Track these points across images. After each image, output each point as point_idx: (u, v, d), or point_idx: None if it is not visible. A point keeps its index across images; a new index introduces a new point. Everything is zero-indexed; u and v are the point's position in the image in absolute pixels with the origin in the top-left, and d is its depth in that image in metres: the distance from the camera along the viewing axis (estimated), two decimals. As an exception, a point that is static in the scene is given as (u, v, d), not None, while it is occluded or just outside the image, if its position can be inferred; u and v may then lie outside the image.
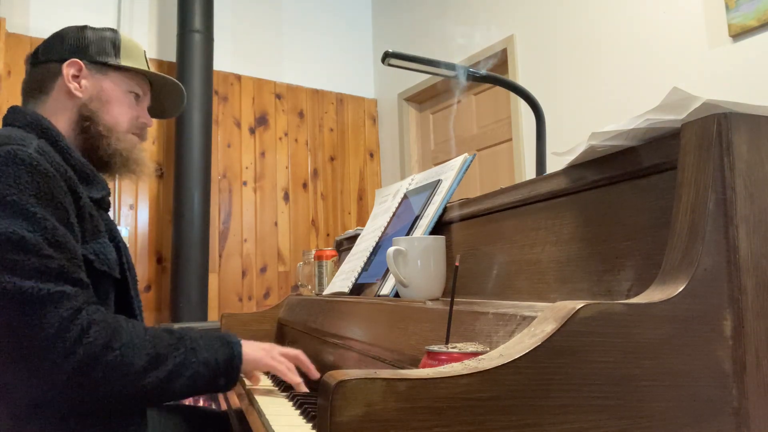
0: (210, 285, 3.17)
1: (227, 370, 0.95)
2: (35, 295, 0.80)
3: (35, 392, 0.83)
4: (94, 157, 1.08)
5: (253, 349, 1.01)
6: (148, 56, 1.18)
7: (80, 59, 1.07)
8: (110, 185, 1.12)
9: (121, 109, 1.10)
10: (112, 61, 1.09)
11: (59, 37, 1.09)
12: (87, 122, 1.06)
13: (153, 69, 1.16)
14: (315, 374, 1.07)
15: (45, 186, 0.87)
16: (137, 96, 1.13)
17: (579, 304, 0.48)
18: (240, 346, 0.98)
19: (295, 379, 1.03)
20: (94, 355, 0.81)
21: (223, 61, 3.49)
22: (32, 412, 0.85)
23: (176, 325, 2.76)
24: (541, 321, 0.49)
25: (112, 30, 1.13)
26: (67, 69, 1.06)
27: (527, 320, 0.58)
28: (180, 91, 1.22)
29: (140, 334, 0.88)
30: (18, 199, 0.84)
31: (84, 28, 1.11)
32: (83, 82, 1.07)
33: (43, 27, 2.99)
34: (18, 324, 0.79)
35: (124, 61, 1.10)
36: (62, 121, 1.05)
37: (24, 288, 0.80)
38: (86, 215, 0.94)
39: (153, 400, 0.89)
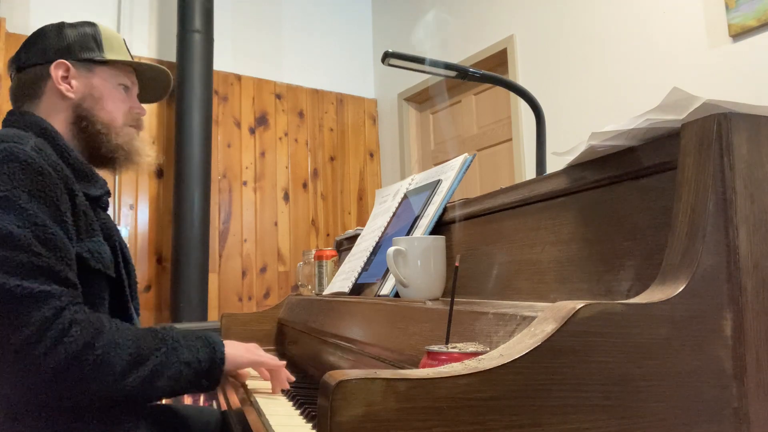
0: (210, 285, 3.17)
1: (209, 371, 0.95)
2: (19, 294, 0.80)
3: (21, 389, 0.83)
4: (97, 154, 1.08)
5: (234, 348, 1.02)
6: (148, 55, 1.18)
7: (66, 59, 1.06)
8: (110, 185, 1.11)
9: (114, 104, 1.10)
10: (97, 56, 1.09)
11: (39, 38, 1.08)
12: (84, 122, 1.06)
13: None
14: (285, 385, 1.08)
15: (39, 183, 0.87)
16: (126, 87, 1.13)
17: (579, 304, 0.48)
18: (222, 346, 0.98)
19: (278, 386, 1.05)
20: (75, 355, 0.81)
21: (223, 61, 3.49)
22: (23, 408, 0.85)
23: (176, 325, 2.76)
24: (541, 321, 0.49)
25: (90, 24, 1.12)
26: (55, 71, 1.05)
27: (527, 320, 0.58)
28: (165, 75, 1.21)
29: (123, 333, 0.87)
30: (10, 194, 0.84)
31: (62, 25, 1.10)
32: (73, 82, 1.06)
33: (43, 27, 2.99)
34: (0, 321, 0.80)
35: (108, 55, 1.10)
36: (58, 122, 1.05)
37: (8, 285, 0.80)
38: (81, 213, 0.94)
39: (135, 398, 0.89)
